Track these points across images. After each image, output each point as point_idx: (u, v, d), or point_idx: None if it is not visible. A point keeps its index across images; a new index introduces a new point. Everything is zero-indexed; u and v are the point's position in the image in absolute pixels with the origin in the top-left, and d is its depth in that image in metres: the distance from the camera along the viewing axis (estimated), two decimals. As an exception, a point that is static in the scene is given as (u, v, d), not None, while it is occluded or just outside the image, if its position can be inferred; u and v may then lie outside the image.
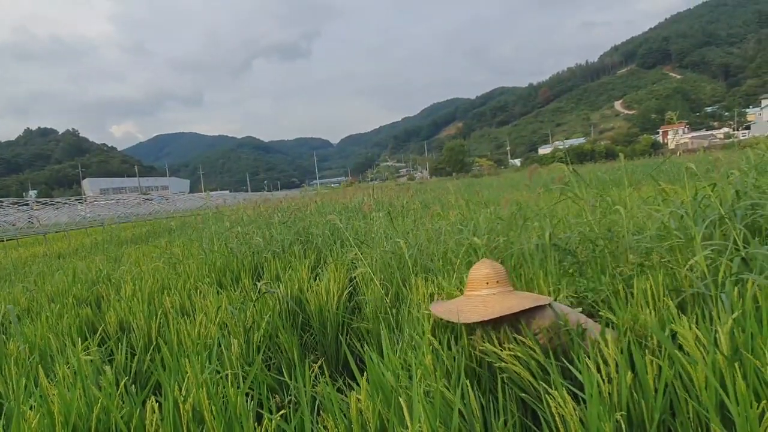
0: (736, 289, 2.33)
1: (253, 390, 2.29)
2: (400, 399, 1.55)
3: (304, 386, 1.93)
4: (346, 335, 3.49)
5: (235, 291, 4.05)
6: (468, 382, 2.20)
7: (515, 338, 2.19)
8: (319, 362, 2.40)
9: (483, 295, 2.34)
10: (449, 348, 2.32)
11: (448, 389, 1.86)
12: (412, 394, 1.56)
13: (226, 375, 2.13)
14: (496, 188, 14.97)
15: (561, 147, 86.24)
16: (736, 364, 1.69)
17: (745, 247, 2.71)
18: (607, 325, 2.33)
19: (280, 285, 3.77)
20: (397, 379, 1.86)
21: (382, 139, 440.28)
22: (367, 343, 3.20)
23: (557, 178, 4.14)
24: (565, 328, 2.24)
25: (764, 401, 1.46)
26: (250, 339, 2.73)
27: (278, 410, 2.21)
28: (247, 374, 2.23)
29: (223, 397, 1.89)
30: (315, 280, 4.03)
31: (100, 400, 1.92)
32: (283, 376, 2.56)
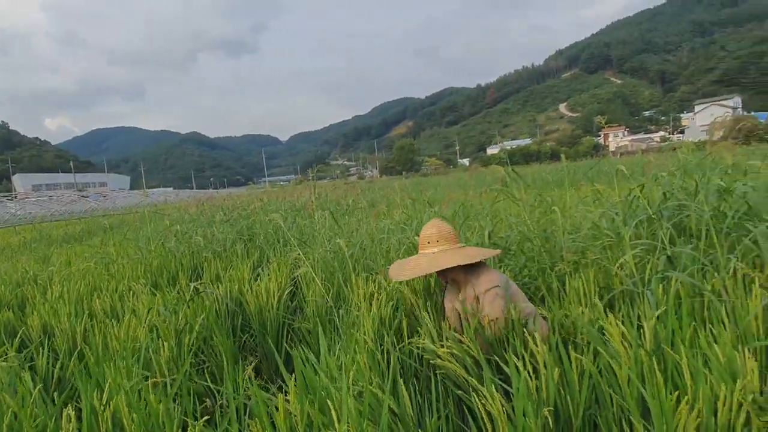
0: (661, 286, 2.43)
1: (186, 395, 2.21)
2: (328, 400, 1.52)
3: (236, 390, 1.87)
4: (288, 336, 3.43)
5: (171, 292, 3.90)
6: (402, 380, 2.21)
7: (456, 336, 2.21)
8: (253, 365, 2.34)
9: (428, 254, 2.47)
10: (393, 347, 2.32)
11: (382, 389, 1.84)
12: (342, 394, 1.54)
13: (153, 381, 2.04)
14: (443, 187, 15.15)
15: (508, 147, 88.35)
16: (655, 359, 1.76)
17: (671, 246, 2.84)
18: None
19: (220, 285, 3.66)
20: (332, 380, 1.83)
21: (332, 137, 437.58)
22: (307, 343, 3.16)
23: (499, 178, 4.20)
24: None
25: (678, 392, 1.51)
26: (182, 342, 2.63)
27: (207, 416, 2.14)
28: (175, 379, 2.14)
29: (146, 405, 1.80)
30: (257, 280, 3.94)
31: (10, 409, 1.79)
32: (216, 380, 2.48)
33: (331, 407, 1.48)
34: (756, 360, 1.91)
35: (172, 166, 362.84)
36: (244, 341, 3.34)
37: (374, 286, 3.00)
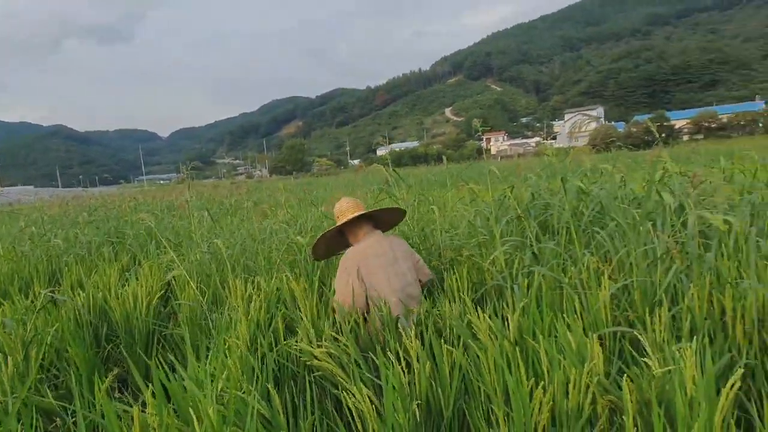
0: (526, 280, 2.60)
1: (31, 413, 1.97)
2: (191, 408, 1.43)
3: (92, 405, 1.71)
4: (159, 344, 3.21)
5: (25, 301, 3.50)
6: (278, 384, 2.15)
7: (333, 336, 2.20)
8: (111, 377, 2.15)
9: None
10: (270, 349, 2.25)
11: (252, 394, 1.77)
12: (206, 401, 1.46)
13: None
14: (331, 188, 15.15)
15: (397, 149, 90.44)
16: (518, 348, 1.86)
17: (537, 243, 3.04)
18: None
19: (82, 292, 3.34)
20: (200, 388, 1.73)
21: (217, 135, 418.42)
22: (180, 351, 2.98)
23: (384, 179, 4.26)
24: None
25: (533, 378, 1.61)
26: (29, 355, 2.35)
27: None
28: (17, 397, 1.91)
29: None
30: (126, 285, 3.66)
31: None
32: (72, 396, 2.25)
33: (193, 416, 1.39)
34: (603, 345, 2.10)
35: (35, 161, 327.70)
36: (108, 352, 3.07)
37: (253, 288, 2.90)
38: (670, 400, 1.44)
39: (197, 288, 3.19)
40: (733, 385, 1.28)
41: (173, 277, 3.43)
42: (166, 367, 1.83)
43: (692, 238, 2.32)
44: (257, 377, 1.97)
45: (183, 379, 1.75)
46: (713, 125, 63.09)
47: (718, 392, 1.34)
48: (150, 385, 1.47)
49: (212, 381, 1.83)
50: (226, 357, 2.00)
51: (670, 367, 1.45)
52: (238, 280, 2.97)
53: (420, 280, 2.78)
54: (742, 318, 1.91)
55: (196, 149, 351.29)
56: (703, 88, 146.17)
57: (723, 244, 2.37)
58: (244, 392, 1.68)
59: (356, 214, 2.79)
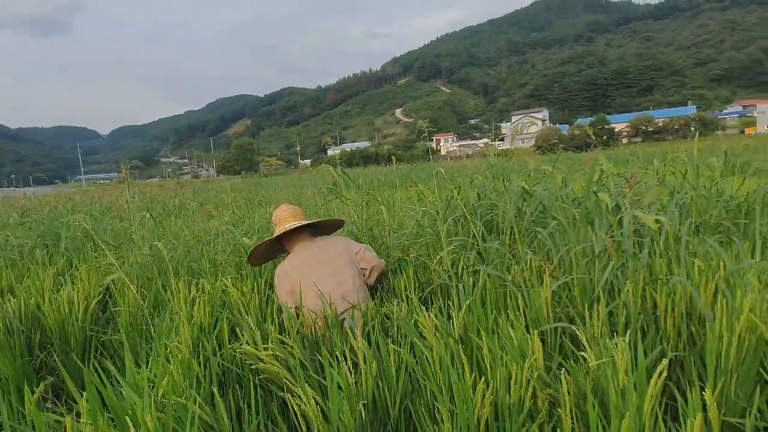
0: (471, 279, 2.65)
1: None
2: (127, 417, 1.38)
3: (21, 416, 1.62)
4: (98, 351, 3.08)
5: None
6: (221, 388, 2.11)
7: (279, 338, 2.18)
8: (42, 387, 2.04)
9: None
10: (215, 353, 2.20)
11: (194, 399, 1.73)
12: (145, 407, 1.41)
13: None
14: (280, 188, 14.97)
15: (348, 149, 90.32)
16: (462, 346, 1.90)
17: (484, 242, 3.11)
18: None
19: (12, 297, 3.17)
20: (140, 395, 1.67)
21: (162, 133, 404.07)
22: (120, 357, 2.88)
23: (332, 179, 4.25)
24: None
25: (474, 374, 1.64)
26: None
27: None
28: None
29: None
30: (61, 290, 3.49)
31: None
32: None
33: (130, 423, 1.34)
34: (545, 341, 2.17)
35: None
36: (42, 360, 2.92)
37: (197, 290, 2.83)
38: (604, 391, 1.50)
39: (138, 292, 3.08)
40: (660, 374, 1.34)
41: (112, 280, 3.30)
42: (103, 374, 1.76)
43: (627, 237, 2.42)
44: (200, 382, 1.92)
45: (121, 386, 1.69)
46: (650, 129, 66.33)
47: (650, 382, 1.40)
48: (85, 393, 1.41)
49: (152, 387, 1.77)
50: (168, 362, 1.94)
51: (603, 360, 1.51)
52: (181, 283, 2.89)
53: (365, 270, 2.76)
54: (672, 312, 2.02)
55: (139, 148, 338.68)
56: (640, 93, 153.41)
57: (655, 242, 2.49)
58: (185, 398, 1.64)
59: (293, 225, 2.76)
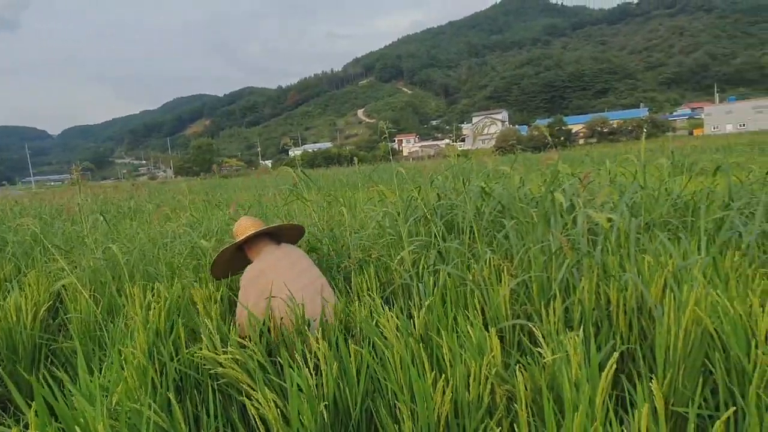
0: (432, 278, 2.67)
1: None
2: (77, 426, 1.34)
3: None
4: (48, 359, 2.97)
5: None
6: (179, 394, 2.06)
7: (239, 341, 2.15)
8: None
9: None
10: (172, 359, 2.15)
11: (150, 406, 1.69)
12: (96, 416, 1.37)
13: None
14: (240, 189, 14.75)
15: (310, 150, 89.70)
16: (423, 345, 1.91)
17: (443, 242, 3.14)
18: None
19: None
20: (93, 403, 1.62)
21: (116, 133, 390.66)
22: (72, 365, 2.78)
23: (294, 180, 4.21)
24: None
25: (435, 372, 1.66)
26: None
27: None
28: None
29: None
30: (8, 296, 3.34)
31: None
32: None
33: (81, 434, 1.30)
34: (504, 338, 2.21)
35: None
36: (-13, 370, 2.79)
37: (153, 295, 2.76)
38: (559, 386, 1.54)
39: (91, 297, 2.98)
40: (611, 367, 1.39)
41: (63, 286, 3.19)
42: (53, 383, 1.70)
43: (582, 235, 2.50)
44: (157, 388, 1.88)
45: (72, 395, 1.63)
46: (605, 130, 68.45)
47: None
48: (33, 404, 1.36)
49: (106, 395, 1.72)
50: (123, 369, 1.88)
51: (558, 355, 1.55)
52: (136, 288, 2.81)
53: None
54: (624, 307, 2.09)
55: (92, 148, 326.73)
56: (595, 95, 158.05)
57: (607, 240, 2.57)
58: (140, 404, 1.60)
59: (256, 231, 2.80)
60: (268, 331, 2.35)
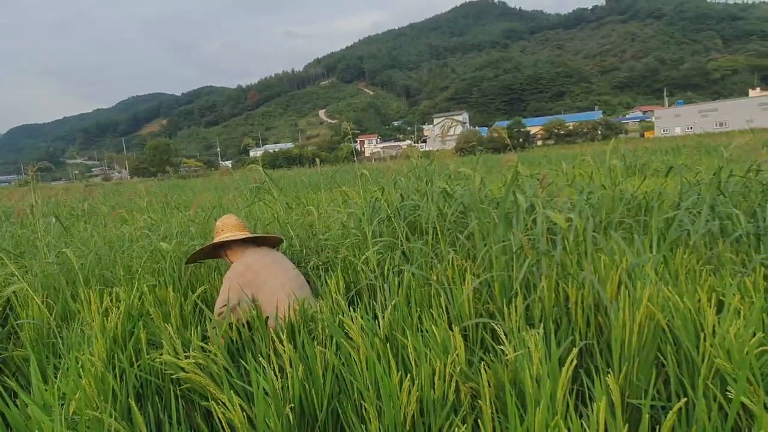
0: (396, 279, 2.69)
1: None
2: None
3: None
4: (-2, 369, 2.85)
5: None
6: (139, 401, 2.02)
7: (202, 346, 2.12)
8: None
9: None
10: (131, 365, 2.10)
11: (110, 413, 1.65)
12: (54, 425, 1.33)
13: None
14: (200, 190, 14.47)
15: (271, 150, 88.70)
16: (389, 345, 1.93)
17: (407, 242, 3.17)
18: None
19: None
20: (48, 413, 1.57)
21: (68, 133, 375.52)
22: (23, 374, 2.68)
23: (256, 180, 4.16)
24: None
25: (401, 372, 1.68)
26: None
27: None
28: None
29: None
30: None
31: None
32: None
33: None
34: (468, 336, 2.25)
35: None
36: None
37: (110, 300, 2.68)
38: (521, 381, 1.58)
39: (43, 303, 2.88)
40: (571, 362, 1.44)
41: (13, 292, 3.06)
42: (4, 393, 1.63)
43: (541, 235, 2.56)
44: (116, 396, 1.83)
45: (26, 405, 1.58)
46: (561, 132, 70.26)
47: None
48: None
49: (62, 404, 1.67)
50: (80, 377, 1.83)
51: (520, 352, 1.59)
52: (92, 293, 2.73)
53: None
54: (582, 304, 2.16)
55: (41, 148, 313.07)
56: (552, 98, 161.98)
57: (566, 240, 2.64)
58: (100, 413, 1.56)
59: (245, 235, 2.93)
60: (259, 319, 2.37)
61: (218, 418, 1.61)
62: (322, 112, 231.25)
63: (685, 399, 1.39)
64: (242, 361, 2.11)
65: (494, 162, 14.25)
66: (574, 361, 1.45)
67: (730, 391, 1.47)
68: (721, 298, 2.02)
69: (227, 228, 2.97)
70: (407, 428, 1.62)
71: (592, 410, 1.33)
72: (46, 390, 1.65)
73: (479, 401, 1.66)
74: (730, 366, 1.49)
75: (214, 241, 2.94)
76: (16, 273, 2.90)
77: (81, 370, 1.88)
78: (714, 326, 1.73)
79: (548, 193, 3.28)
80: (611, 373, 1.55)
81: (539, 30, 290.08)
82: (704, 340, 1.65)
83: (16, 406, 1.49)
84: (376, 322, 2.18)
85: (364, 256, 3.00)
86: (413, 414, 1.63)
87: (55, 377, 2.05)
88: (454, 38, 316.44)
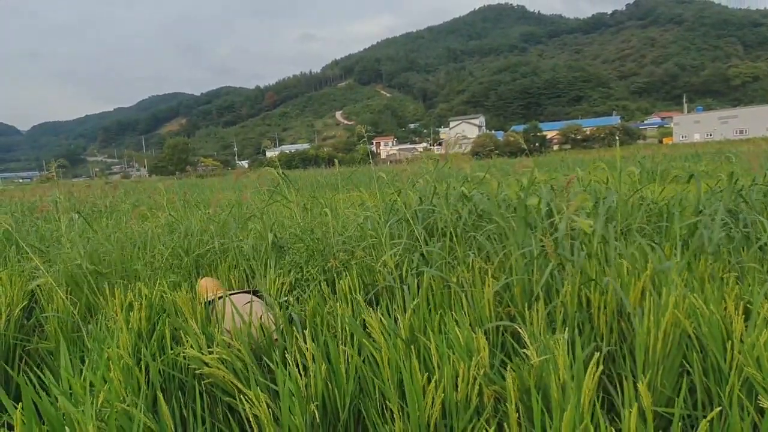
0: (416, 281, 2.69)
1: None
2: (67, 426, 1.32)
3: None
4: (23, 360, 2.90)
5: None
6: (164, 394, 2.04)
7: (226, 341, 2.13)
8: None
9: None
10: (155, 359, 2.13)
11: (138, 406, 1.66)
12: (86, 417, 1.35)
13: None
14: (217, 189, 14.58)
15: (288, 151, 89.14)
16: (413, 346, 1.93)
17: (427, 244, 3.16)
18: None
19: None
20: (77, 404, 1.59)
21: (89, 131, 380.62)
22: (48, 366, 2.72)
23: (271, 181, 4.19)
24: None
25: (426, 373, 1.68)
26: None
27: None
28: None
29: None
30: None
31: None
32: None
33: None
34: (487, 339, 2.24)
35: None
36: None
37: (133, 295, 2.72)
38: (546, 386, 1.57)
39: (67, 297, 2.92)
40: (598, 368, 1.42)
41: (38, 286, 3.12)
42: (32, 384, 1.66)
43: (565, 240, 2.55)
44: (141, 389, 1.85)
45: (54, 396, 1.60)
46: (578, 137, 69.59)
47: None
48: (20, 404, 1.33)
49: (87, 395, 1.69)
50: (108, 369, 1.86)
51: (545, 357, 1.58)
52: (116, 288, 2.77)
53: None
54: (604, 310, 2.14)
55: (63, 145, 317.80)
56: (570, 102, 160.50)
57: (584, 245, 2.62)
58: (128, 405, 1.58)
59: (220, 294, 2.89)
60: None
61: (242, 413, 1.62)
62: (338, 114, 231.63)
63: (719, 408, 1.37)
64: (264, 359, 2.12)
65: (510, 165, 14.14)
66: (600, 367, 1.44)
67: (760, 401, 1.45)
68: (747, 305, 1.99)
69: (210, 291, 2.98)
70: (431, 430, 1.61)
71: (620, 417, 1.32)
72: (76, 382, 1.68)
73: (502, 405, 1.66)
74: (761, 375, 1.47)
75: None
76: (41, 267, 2.95)
77: (108, 363, 1.91)
78: (742, 334, 1.71)
79: (567, 198, 3.25)
80: (636, 379, 1.53)
81: (558, 34, 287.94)
82: (732, 348, 1.62)
83: (48, 396, 1.51)
84: (397, 323, 2.18)
85: (381, 258, 3.00)
86: (436, 417, 1.63)
87: (81, 370, 2.08)
88: (472, 41, 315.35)
